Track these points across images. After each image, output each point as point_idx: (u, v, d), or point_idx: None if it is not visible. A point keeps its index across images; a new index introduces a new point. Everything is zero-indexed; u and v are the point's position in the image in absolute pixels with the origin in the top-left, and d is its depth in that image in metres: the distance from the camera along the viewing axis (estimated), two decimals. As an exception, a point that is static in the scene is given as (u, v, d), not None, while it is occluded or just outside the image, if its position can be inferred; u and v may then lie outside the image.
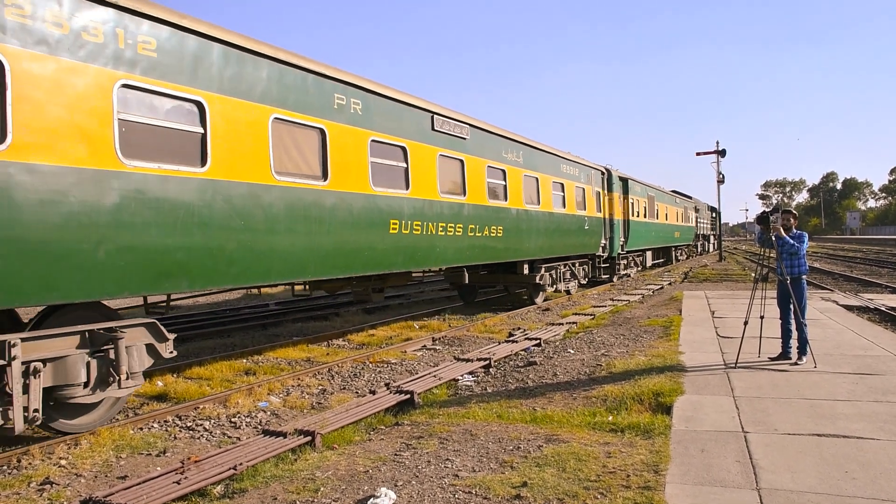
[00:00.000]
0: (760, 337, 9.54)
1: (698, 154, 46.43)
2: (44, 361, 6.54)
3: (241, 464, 5.87)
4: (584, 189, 22.14)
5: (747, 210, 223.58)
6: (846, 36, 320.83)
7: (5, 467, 6.50)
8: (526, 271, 18.66)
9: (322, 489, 5.29)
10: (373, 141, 11.15)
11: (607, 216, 24.88)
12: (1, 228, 5.96)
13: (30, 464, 6.57)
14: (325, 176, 9.98)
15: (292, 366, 11.26)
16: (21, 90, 6.15)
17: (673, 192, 42.26)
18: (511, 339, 12.90)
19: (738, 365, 8.97)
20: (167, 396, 9.23)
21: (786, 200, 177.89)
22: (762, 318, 9.35)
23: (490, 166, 15.48)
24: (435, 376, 9.47)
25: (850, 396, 7.35)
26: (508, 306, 19.37)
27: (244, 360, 11.56)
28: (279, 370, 10.85)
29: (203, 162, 7.93)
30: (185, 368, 10.67)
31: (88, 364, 6.96)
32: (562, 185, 20.08)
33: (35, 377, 6.41)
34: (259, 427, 7.76)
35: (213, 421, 8.04)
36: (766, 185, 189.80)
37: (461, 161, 14.23)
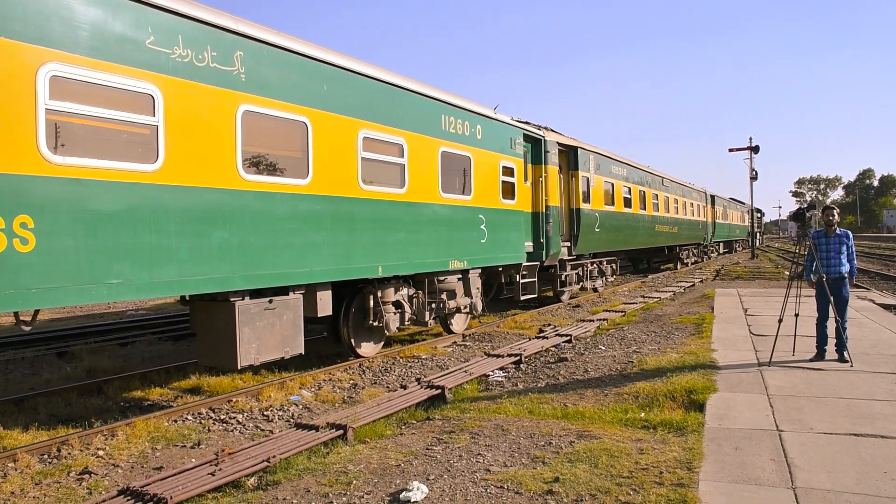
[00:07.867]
0: (795, 335, 9.39)
1: (731, 150, 45.36)
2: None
3: (274, 456, 5.95)
4: (697, 204, 38.12)
5: (780, 207, 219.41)
6: (883, 35, 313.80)
7: (46, 456, 6.66)
8: (677, 251, 34.58)
9: (354, 482, 5.33)
10: (654, 193, 27.09)
11: (705, 219, 40.62)
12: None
13: (69, 453, 6.72)
14: (629, 205, 24.10)
15: (323, 360, 11.36)
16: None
17: (731, 199, 56.64)
18: (541, 335, 12.85)
19: (772, 363, 8.84)
20: (200, 389, 9.39)
21: (820, 198, 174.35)
22: (797, 316, 9.20)
23: (675, 198, 31.37)
24: (465, 371, 9.48)
25: (889, 396, 7.20)
26: (658, 271, 33.95)
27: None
28: (310, 364, 10.95)
29: (628, 205, 23.33)
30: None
31: (593, 270, 21.16)
32: (691, 203, 36.04)
33: (597, 270, 21.44)
34: (291, 420, 7.85)
35: (245, 414, 8.14)
36: (800, 182, 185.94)
37: (668, 196, 29.86)
